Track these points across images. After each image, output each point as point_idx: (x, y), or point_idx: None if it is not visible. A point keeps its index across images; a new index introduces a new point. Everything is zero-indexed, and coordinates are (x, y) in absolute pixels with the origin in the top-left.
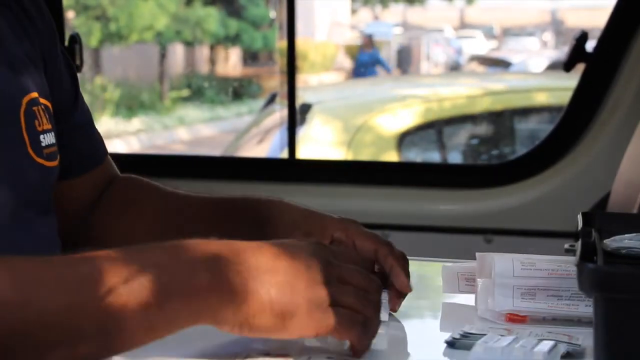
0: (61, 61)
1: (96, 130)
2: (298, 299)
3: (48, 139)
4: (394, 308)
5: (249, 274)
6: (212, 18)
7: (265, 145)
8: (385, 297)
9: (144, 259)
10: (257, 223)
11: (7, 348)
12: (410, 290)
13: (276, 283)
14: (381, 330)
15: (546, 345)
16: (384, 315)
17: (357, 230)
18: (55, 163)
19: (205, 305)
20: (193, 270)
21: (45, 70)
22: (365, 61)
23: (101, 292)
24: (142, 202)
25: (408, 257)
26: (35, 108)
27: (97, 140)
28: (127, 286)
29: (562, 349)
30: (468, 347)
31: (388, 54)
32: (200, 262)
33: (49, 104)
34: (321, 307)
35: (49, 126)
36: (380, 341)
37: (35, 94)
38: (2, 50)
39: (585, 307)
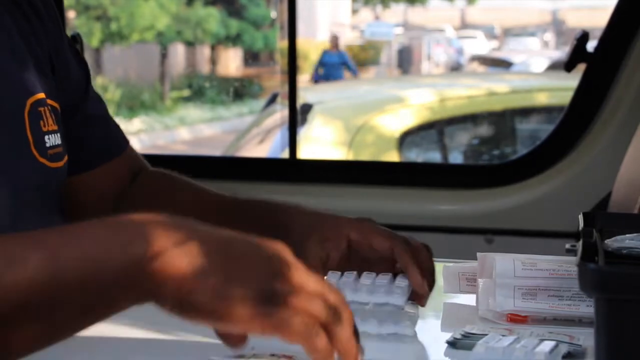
0: (69, 54)
1: (113, 122)
2: (248, 285)
3: (53, 139)
4: (420, 303)
5: (197, 249)
6: (213, 18)
7: (266, 145)
8: (404, 282)
9: (83, 233)
10: (275, 228)
11: None
12: (424, 290)
13: (226, 266)
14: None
15: (547, 345)
16: (398, 299)
17: (373, 229)
18: (60, 164)
19: (143, 276)
20: (130, 241)
21: (54, 67)
22: (330, 63)
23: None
24: (174, 196)
25: None
26: (41, 109)
27: (113, 132)
28: (60, 261)
29: (563, 349)
30: (469, 347)
31: (389, 54)
32: (141, 232)
33: (56, 105)
34: (268, 301)
35: (55, 127)
36: (404, 328)
37: (42, 95)
38: (9, 50)
39: (586, 308)
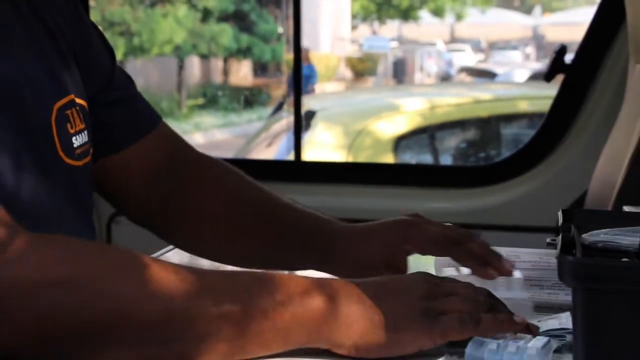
0: (95, 41)
1: (142, 101)
2: (407, 312)
3: (80, 139)
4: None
5: (357, 298)
6: (226, 33)
7: (274, 149)
8: (519, 275)
9: (255, 278)
10: (320, 254)
11: (97, 333)
12: (492, 276)
13: (384, 303)
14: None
15: (540, 341)
16: (522, 294)
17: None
18: (86, 160)
19: (317, 327)
20: (307, 293)
21: (80, 60)
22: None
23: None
24: (240, 192)
25: None
26: (68, 111)
27: (140, 112)
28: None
29: (554, 344)
30: (464, 343)
31: (385, 66)
32: (314, 288)
33: (84, 103)
34: (429, 316)
35: (82, 126)
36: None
37: (69, 97)
38: (37, 55)
39: (565, 296)
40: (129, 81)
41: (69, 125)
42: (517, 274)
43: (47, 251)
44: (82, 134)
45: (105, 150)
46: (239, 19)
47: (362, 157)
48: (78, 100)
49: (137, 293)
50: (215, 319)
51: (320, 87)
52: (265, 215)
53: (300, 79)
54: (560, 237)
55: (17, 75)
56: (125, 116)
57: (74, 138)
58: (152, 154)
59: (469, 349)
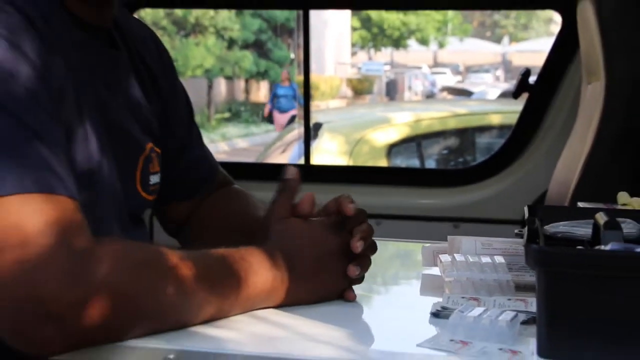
0: (181, 102)
1: (208, 155)
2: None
3: (154, 179)
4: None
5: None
6: (247, 58)
7: (287, 154)
8: (502, 260)
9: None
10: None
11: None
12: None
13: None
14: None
15: (509, 315)
16: (505, 275)
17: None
18: (155, 196)
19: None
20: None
21: (167, 118)
22: (282, 95)
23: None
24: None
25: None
26: (153, 154)
27: (208, 168)
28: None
29: (521, 317)
30: (447, 317)
31: (380, 86)
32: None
33: (159, 151)
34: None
35: (158, 169)
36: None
37: (150, 145)
38: (132, 109)
39: (529, 277)
40: (199, 135)
41: (150, 166)
42: (501, 259)
43: (116, 257)
44: (157, 175)
45: (173, 196)
46: (258, 47)
47: (361, 161)
48: (156, 149)
49: (166, 282)
50: (205, 294)
51: (325, 103)
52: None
53: (309, 97)
54: (526, 228)
55: (125, 113)
56: (198, 175)
57: (151, 177)
58: (207, 198)
59: (451, 320)
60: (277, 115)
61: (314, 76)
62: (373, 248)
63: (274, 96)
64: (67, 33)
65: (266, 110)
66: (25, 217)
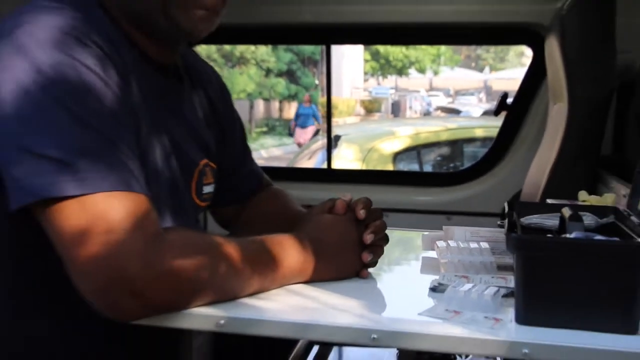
0: (235, 127)
1: (256, 169)
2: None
3: (207, 189)
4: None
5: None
6: (280, 84)
7: (313, 160)
8: (487, 246)
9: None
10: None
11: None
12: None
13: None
14: None
15: (492, 289)
16: (489, 258)
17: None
18: (208, 202)
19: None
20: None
21: (223, 135)
22: (304, 114)
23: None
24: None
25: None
26: (207, 168)
27: (259, 180)
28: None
29: (502, 291)
30: (443, 291)
31: (387, 106)
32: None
33: (214, 166)
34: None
35: (211, 180)
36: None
37: (206, 160)
38: (185, 121)
39: (509, 259)
40: (249, 151)
41: (204, 178)
42: (486, 245)
43: (182, 244)
44: (210, 186)
45: (226, 201)
46: (290, 75)
47: (372, 166)
48: (211, 164)
49: (219, 263)
50: (249, 272)
51: (343, 120)
52: (278, 220)
53: (330, 115)
54: (506, 220)
55: (185, 135)
56: (250, 186)
57: (204, 187)
58: (251, 202)
59: (446, 293)
60: (298, 131)
61: (334, 98)
62: (385, 239)
63: (297, 115)
64: (138, 67)
65: (292, 126)
66: (109, 210)
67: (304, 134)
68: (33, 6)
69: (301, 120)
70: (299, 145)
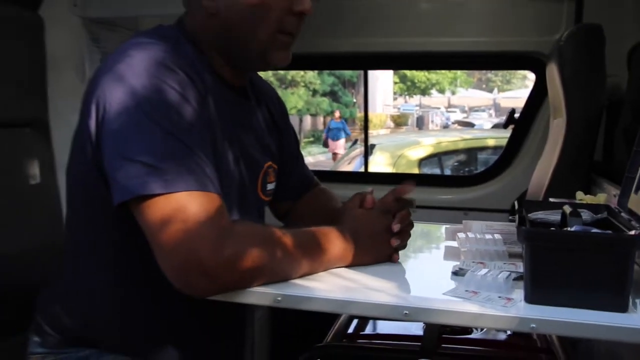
0: (290, 136)
1: (308, 172)
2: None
3: (270, 187)
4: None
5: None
6: (325, 102)
7: (352, 165)
8: (500, 237)
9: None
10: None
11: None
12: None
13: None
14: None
15: (505, 274)
16: (502, 247)
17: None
18: (270, 198)
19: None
20: (333, 244)
21: (281, 143)
22: (335, 128)
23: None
24: (323, 209)
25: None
26: (270, 170)
27: (309, 181)
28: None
29: (513, 275)
30: (463, 275)
31: (412, 120)
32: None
33: (276, 167)
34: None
35: (273, 179)
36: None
37: (269, 163)
38: (252, 131)
39: (518, 248)
40: (302, 160)
41: (267, 178)
42: (499, 236)
43: (248, 235)
44: (272, 184)
45: (284, 196)
46: (332, 95)
47: (401, 170)
48: (273, 165)
49: (276, 250)
50: (301, 258)
51: (376, 131)
52: (323, 214)
53: (367, 127)
54: (517, 216)
55: (252, 142)
56: (296, 184)
57: (268, 185)
58: (303, 199)
59: (466, 277)
60: (330, 142)
61: (370, 113)
62: (411, 225)
63: (328, 129)
64: (215, 88)
65: (324, 138)
66: (188, 205)
67: (335, 146)
68: (131, 43)
69: (332, 133)
70: (333, 154)
